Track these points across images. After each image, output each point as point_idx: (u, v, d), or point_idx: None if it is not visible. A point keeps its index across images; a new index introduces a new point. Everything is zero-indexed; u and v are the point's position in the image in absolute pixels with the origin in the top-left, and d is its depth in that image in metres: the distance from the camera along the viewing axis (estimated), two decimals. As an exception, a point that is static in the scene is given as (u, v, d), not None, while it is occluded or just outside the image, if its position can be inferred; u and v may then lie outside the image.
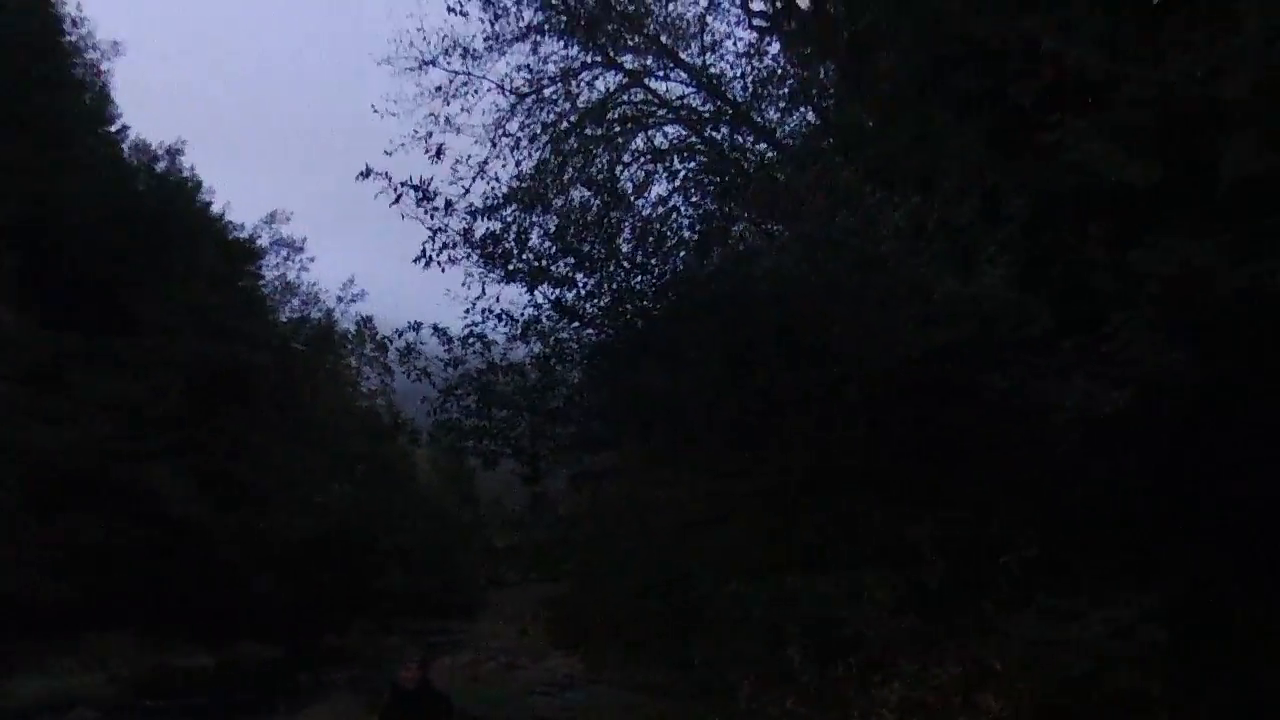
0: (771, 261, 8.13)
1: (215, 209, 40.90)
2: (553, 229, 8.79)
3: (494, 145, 16.08)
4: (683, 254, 9.20)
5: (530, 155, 14.26)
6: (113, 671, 27.45)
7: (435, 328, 9.74)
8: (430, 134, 8.97)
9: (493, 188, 8.75)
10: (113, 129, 38.85)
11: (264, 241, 43.50)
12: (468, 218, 8.70)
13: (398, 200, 8.31)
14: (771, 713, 7.03)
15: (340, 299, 45.76)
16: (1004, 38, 10.34)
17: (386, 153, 11.43)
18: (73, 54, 36.68)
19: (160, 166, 39.53)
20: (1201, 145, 8.59)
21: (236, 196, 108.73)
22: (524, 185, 8.92)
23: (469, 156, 8.65)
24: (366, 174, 8.25)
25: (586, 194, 8.98)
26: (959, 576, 6.98)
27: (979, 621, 6.79)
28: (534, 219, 8.80)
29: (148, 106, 71.32)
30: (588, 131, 12.91)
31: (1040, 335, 7.89)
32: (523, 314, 9.25)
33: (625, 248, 8.79)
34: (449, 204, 8.52)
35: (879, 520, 7.49)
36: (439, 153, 8.64)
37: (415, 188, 8.34)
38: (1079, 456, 7.79)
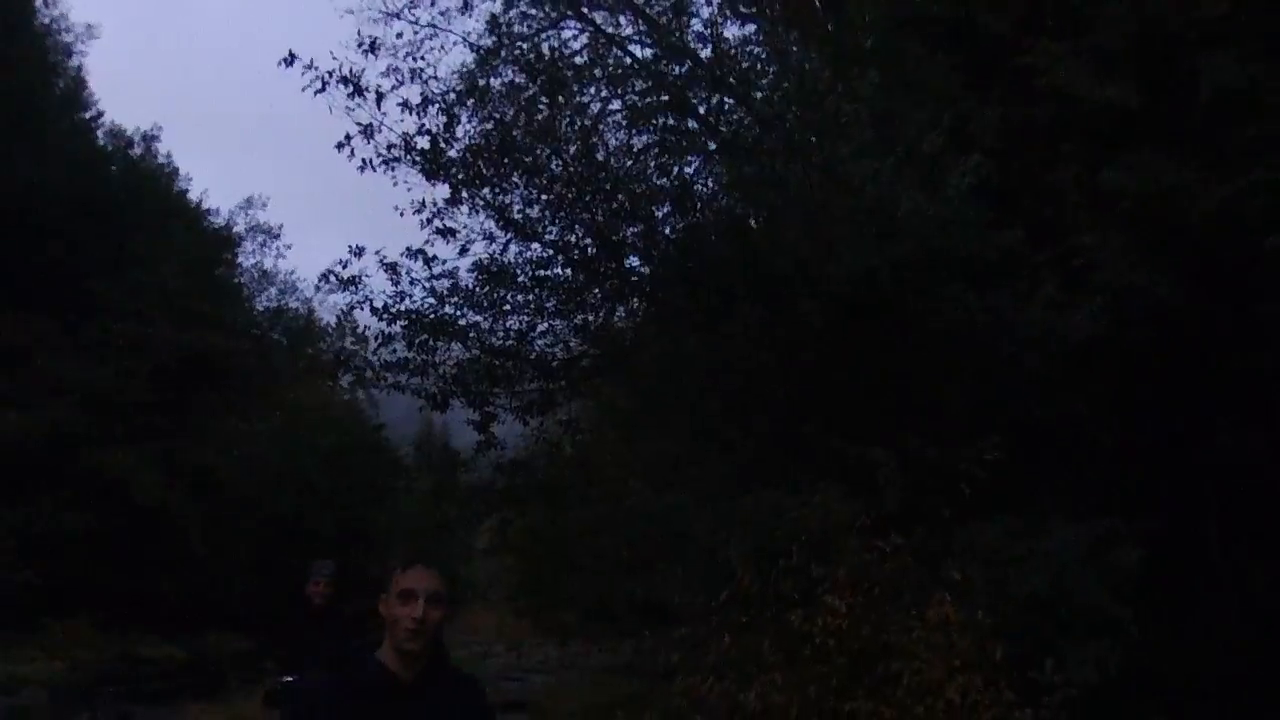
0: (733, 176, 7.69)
1: (192, 195, 40.27)
2: (489, 123, 8.25)
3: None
4: (639, 173, 8.66)
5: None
6: (76, 659, 26.72)
7: (381, 260, 9.24)
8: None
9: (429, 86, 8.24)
10: (87, 114, 38.16)
11: (240, 228, 42.61)
12: (409, 119, 8.15)
13: (323, 90, 7.81)
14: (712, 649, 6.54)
15: (318, 288, 44.76)
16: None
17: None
18: (45, 36, 36.03)
19: (135, 152, 38.86)
20: (1180, 66, 8.25)
21: (215, 182, 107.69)
22: (463, 83, 8.41)
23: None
24: (290, 61, 7.74)
25: (521, 79, 8.38)
26: (919, 496, 6.56)
27: (939, 533, 6.37)
28: (472, 113, 8.25)
29: (128, 90, 70.32)
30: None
31: (1008, 251, 7.50)
32: (470, 230, 8.66)
33: (572, 150, 8.28)
34: (380, 97, 8.03)
35: (837, 445, 7.05)
36: (373, 47, 8.16)
37: (345, 79, 7.85)
38: (1048, 382, 7.40)
